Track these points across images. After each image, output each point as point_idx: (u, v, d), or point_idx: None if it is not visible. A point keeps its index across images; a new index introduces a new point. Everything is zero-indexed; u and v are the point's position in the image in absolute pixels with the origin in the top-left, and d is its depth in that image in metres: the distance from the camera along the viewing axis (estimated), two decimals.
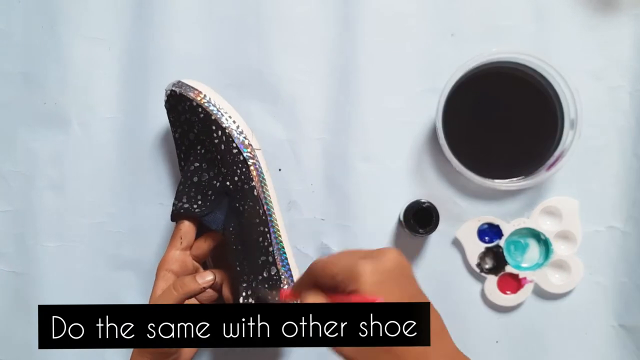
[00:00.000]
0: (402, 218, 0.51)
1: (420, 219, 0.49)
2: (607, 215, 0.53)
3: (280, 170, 0.55)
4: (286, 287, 0.48)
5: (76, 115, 0.56)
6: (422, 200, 0.50)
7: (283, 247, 0.50)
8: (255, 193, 0.49)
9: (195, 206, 0.48)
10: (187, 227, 0.48)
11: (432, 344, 0.34)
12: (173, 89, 0.50)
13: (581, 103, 0.49)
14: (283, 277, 0.48)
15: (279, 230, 0.50)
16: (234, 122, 0.50)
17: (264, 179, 0.50)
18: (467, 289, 0.54)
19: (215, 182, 0.49)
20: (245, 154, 0.49)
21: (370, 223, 0.54)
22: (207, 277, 0.46)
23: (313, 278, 0.37)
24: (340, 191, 0.54)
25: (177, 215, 0.49)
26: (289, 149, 0.55)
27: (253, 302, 0.47)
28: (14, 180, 0.57)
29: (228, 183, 0.49)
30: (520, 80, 0.51)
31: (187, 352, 0.48)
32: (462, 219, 0.53)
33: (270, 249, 0.48)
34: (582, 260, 0.53)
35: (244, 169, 0.49)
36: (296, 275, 0.50)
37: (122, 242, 0.56)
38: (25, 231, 0.56)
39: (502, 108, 0.52)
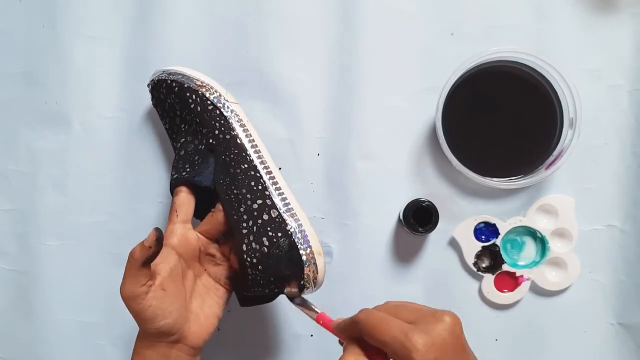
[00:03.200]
0: (401, 217, 0.52)
1: (419, 217, 0.50)
2: (606, 213, 0.53)
3: (280, 169, 0.55)
4: (319, 312, 0.44)
5: (77, 114, 0.56)
6: (422, 199, 0.50)
7: (280, 189, 0.47)
8: (239, 141, 0.48)
9: (184, 173, 0.47)
10: (182, 199, 0.46)
11: None
12: (151, 79, 0.52)
13: (580, 102, 0.49)
14: (288, 220, 0.46)
15: (272, 173, 0.48)
16: (203, 83, 0.50)
17: (246, 129, 0.49)
18: (464, 287, 0.54)
19: (200, 146, 0.48)
20: (220, 108, 0.49)
21: (370, 221, 0.55)
22: (150, 236, 0.40)
23: (358, 331, 0.35)
24: (340, 190, 0.55)
25: (171, 188, 0.48)
26: (289, 148, 0.55)
27: (257, 247, 0.45)
28: (16, 180, 0.57)
29: (211, 140, 0.48)
30: (519, 80, 0.51)
31: (195, 337, 0.45)
32: (461, 217, 0.54)
33: (267, 192, 0.46)
34: (579, 258, 0.53)
35: (222, 121, 0.48)
36: (303, 219, 0.47)
37: (124, 240, 0.56)
38: (26, 230, 0.57)
39: (502, 107, 0.52)
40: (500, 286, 0.53)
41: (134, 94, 0.56)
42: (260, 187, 0.47)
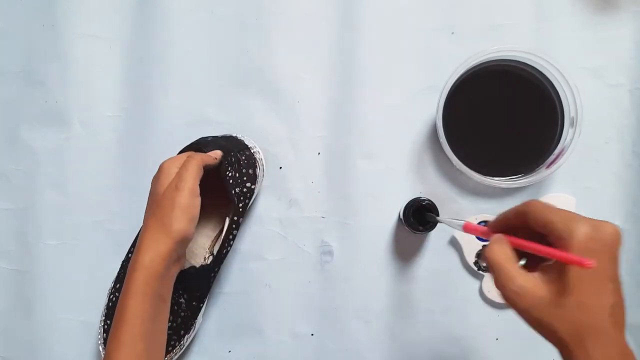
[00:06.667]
0: (401, 216, 0.51)
1: (420, 216, 0.50)
2: (607, 212, 0.53)
3: (280, 168, 0.55)
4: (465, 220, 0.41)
5: (77, 113, 0.56)
6: (422, 198, 0.50)
7: None
8: None
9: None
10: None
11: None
12: None
13: (581, 101, 0.49)
14: None
15: None
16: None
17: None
18: (465, 286, 0.54)
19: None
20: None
21: (371, 220, 0.54)
22: (214, 151, 0.48)
23: (523, 214, 0.36)
24: (340, 189, 0.55)
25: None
26: (290, 147, 0.55)
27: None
28: (16, 179, 0.57)
29: None
30: (520, 79, 0.51)
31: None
32: (461, 216, 0.54)
33: None
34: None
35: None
36: None
37: (123, 240, 0.56)
38: (27, 229, 0.56)
39: (502, 106, 0.52)
40: None
41: (134, 93, 0.56)
42: None
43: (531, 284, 0.33)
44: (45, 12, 0.57)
